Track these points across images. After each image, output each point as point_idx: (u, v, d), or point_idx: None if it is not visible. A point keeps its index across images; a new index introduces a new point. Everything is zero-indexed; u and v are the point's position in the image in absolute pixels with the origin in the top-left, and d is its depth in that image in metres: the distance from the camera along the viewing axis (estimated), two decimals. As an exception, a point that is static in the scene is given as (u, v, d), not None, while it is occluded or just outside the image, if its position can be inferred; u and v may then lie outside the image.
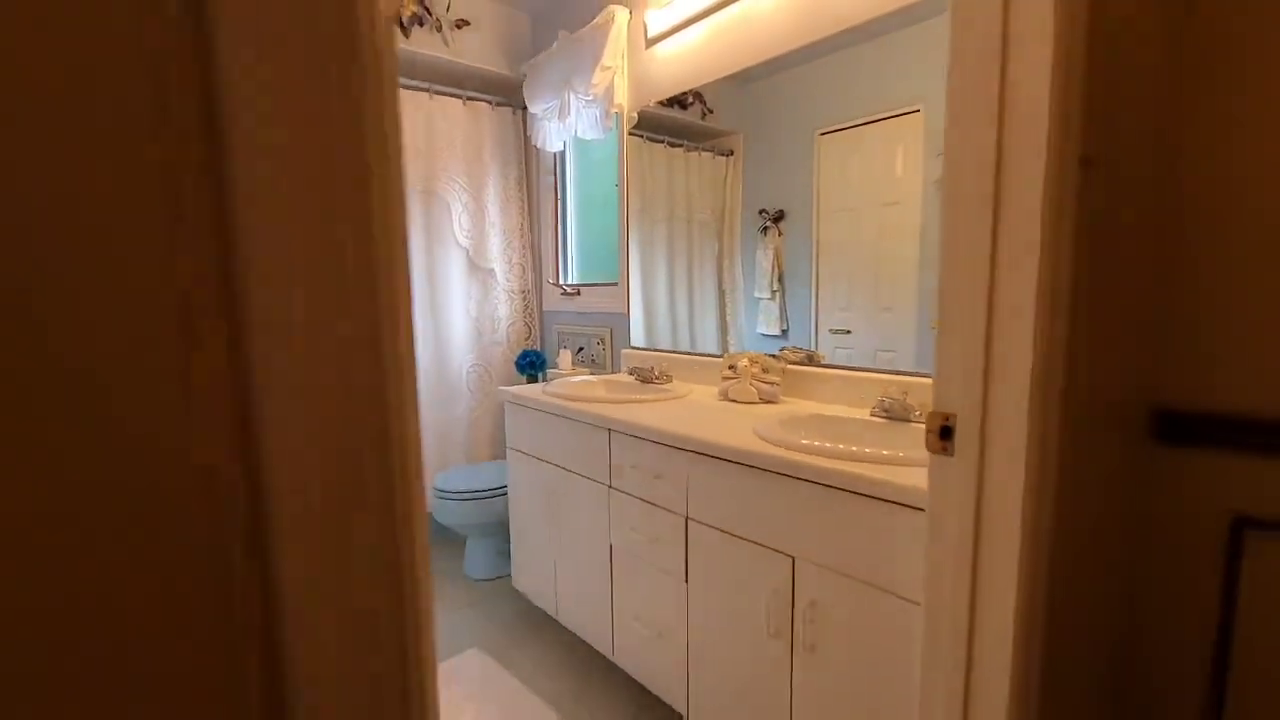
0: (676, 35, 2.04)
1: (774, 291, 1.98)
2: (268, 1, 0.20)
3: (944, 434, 0.79)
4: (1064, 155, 0.72)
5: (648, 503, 1.49)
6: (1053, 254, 0.73)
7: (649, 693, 1.60)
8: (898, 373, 1.53)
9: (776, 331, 1.95)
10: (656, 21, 2.07)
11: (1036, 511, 0.79)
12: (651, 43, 2.12)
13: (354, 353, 0.22)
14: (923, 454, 0.91)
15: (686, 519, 1.39)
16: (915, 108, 1.61)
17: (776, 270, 1.98)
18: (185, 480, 0.21)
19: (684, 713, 1.47)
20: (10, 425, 0.19)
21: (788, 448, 1.19)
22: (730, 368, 1.78)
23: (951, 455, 0.80)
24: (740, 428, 1.38)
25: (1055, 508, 0.83)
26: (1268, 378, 1.09)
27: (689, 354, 2.15)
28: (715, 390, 1.86)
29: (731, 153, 2.11)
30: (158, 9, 0.20)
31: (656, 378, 2.02)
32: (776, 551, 1.20)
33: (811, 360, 1.77)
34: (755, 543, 1.24)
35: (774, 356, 1.80)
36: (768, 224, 2.01)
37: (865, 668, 1.08)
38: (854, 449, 1.13)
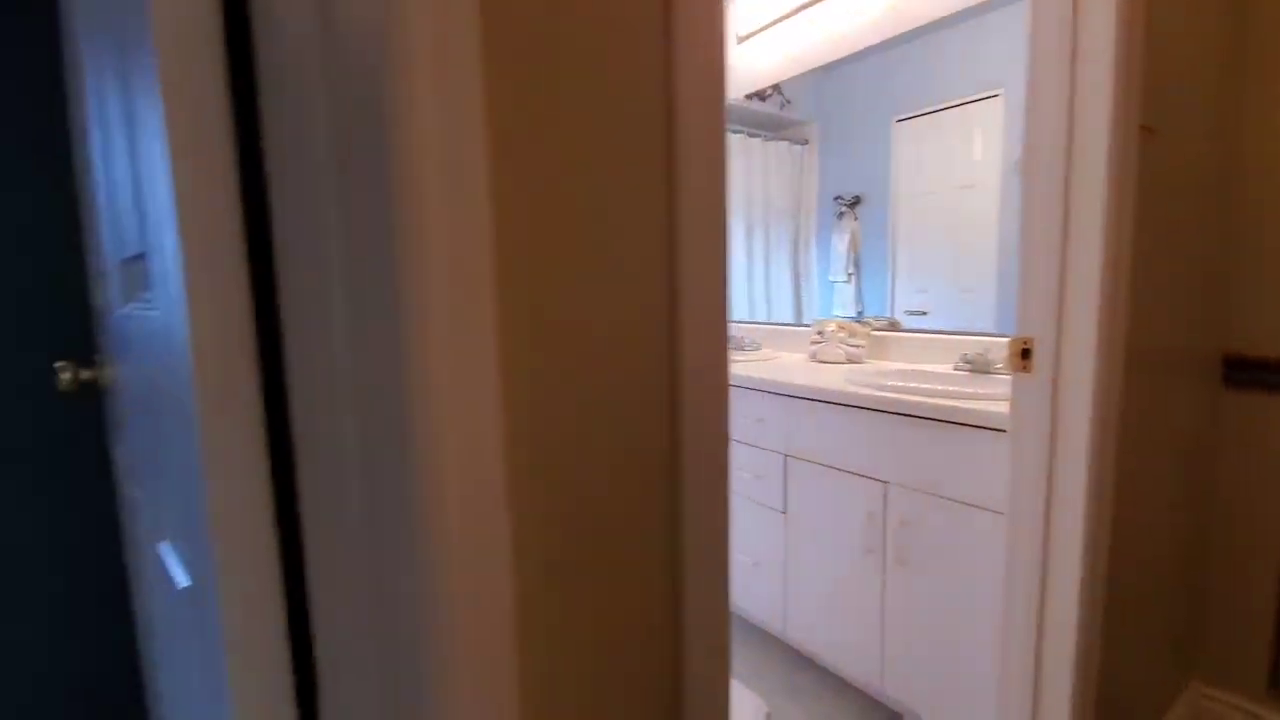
0: (764, 33, 2.22)
1: (849, 275, 2.11)
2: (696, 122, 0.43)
3: (1024, 355, 0.97)
4: (1126, 124, 0.89)
5: (750, 445, 1.70)
6: (1116, 207, 0.90)
7: (750, 623, 1.81)
8: (976, 333, 1.68)
9: (852, 314, 2.08)
10: (745, 21, 2.26)
11: (1103, 423, 0.95)
12: (741, 40, 2.31)
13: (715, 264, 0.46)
14: (1004, 393, 1.09)
15: (786, 456, 1.59)
16: (995, 92, 1.67)
17: (852, 254, 2.10)
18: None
19: (781, 631, 1.67)
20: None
21: (880, 390, 1.38)
22: (818, 333, 1.96)
23: (1030, 373, 0.98)
24: (832, 379, 1.57)
25: (1120, 422, 0.99)
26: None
27: (774, 324, 2.33)
28: (803, 355, 2.05)
29: (806, 142, 2.27)
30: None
31: (747, 345, 2.23)
32: (870, 479, 1.39)
33: (894, 327, 1.93)
34: (850, 472, 1.43)
35: (859, 322, 1.97)
36: (843, 209, 2.13)
37: (950, 574, 1.26)
38: (941, 388, 1.31)
